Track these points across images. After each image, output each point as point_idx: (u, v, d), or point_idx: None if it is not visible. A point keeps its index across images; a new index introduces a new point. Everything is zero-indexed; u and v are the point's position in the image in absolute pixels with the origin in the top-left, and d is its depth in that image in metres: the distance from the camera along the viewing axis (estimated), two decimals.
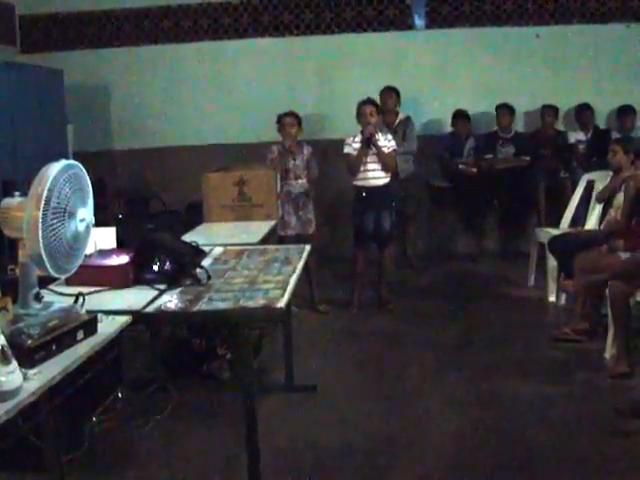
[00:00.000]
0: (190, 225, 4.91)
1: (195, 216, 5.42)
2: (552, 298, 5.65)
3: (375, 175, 5.56)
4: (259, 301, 2.68)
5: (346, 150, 5.59)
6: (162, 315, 2.63)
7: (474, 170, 7.04)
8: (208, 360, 4.18)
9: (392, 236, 5.80)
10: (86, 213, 2.43)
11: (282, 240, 5.45)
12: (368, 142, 5.45)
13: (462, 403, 3.86)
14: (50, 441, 2.63)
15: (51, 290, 2.79)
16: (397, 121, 6.79)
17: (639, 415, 3.50)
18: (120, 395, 3.82)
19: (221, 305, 2.66)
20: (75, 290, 2.76)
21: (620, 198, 5.07)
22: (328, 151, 6.43)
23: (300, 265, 3.31)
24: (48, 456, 2.63)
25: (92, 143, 6.99)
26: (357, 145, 5.54)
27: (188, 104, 7.31)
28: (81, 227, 2.40)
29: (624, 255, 4.47)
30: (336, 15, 7.29)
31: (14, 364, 1.81)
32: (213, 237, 4.29)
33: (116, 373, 3.82)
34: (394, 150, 5.64)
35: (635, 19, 7.05)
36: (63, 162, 2.32)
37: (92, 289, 2.81)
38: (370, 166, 5.55)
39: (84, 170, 2.44)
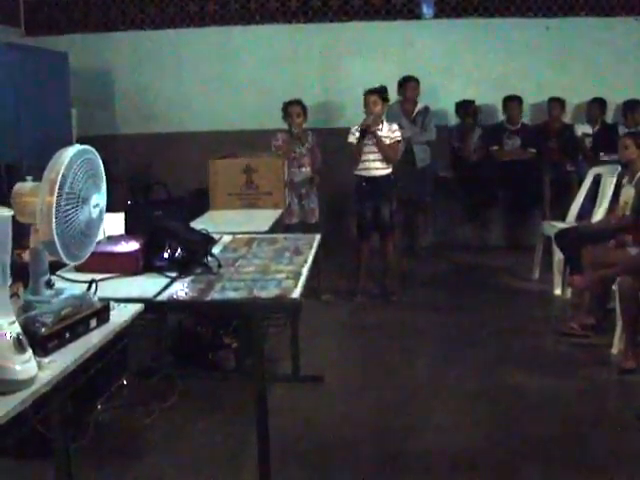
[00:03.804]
0: (194, 212, 4.87)
1: (199, 203, 5.39)
2: (558, 292, 5.63)
3: (375, 165, 5.54)
4: (272, 291, 2.64)
5: (349, 139, 5.58)
6: (175, 304, 2.60)
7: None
8: (214, 349, 4.14)
9: (393, 226, 5.77)
10: (100, 199, 2.39)
11: (287, 228, 5.43)
12: (364, 133, 5.42)
13: (469, 396, 3.84)
14: (57, 429, 2.59)
15: (61, 277, 2.75)
16: (416, 111, 6.77)
17: None
18: (125, 383, 3.80)
19: (234, 295, 2.62)
20: (84, 277, 2.73)
21: (628, 193, 5.04)
22: (332, 140, 6.35)
23: (311, 255, 3.28)
24: (55, 444, 2.59)
25: (96, 128, 6.92)
26: (358, 135, 5.52)
27: (193, 90, 7.25)
28: (94, 213, 2.35)
29: (633, 250, 4.44)
30: (344, 3, 7.23)
31: (29, 353, 1.78)
32: (220, 225, 4.24)
33: (121, 361, 3.79)
34: (397, 141, 5.60)
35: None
36: (77, 147, 2.27)
37: (102, 276, 2.76)
38: (370, 156, 5.53)
39: (98, 155, 2.40)
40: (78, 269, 2.81)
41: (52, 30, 7.14)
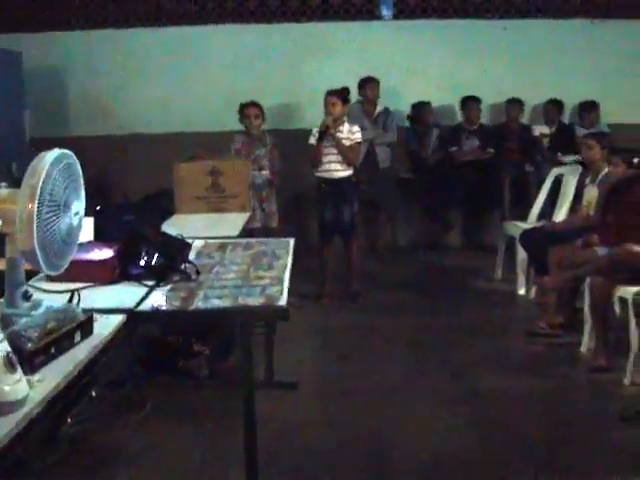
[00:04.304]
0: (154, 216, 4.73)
1: (159, 207, 5.26)
2: (522, 292, 5.67)
3: (335, 167, 5.50)
4: (258, 299, 2.57)
5: (310, 141, 5.52)
6: (159, 314, 2.50)
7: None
8: (184, 357, 4.04)
9: (355, 228, 5.72)
10: (79, 206, 2.29)
11: (249, 233, 5.34)
12: (322, 134, 5.37)
13: (447, 399, 3.83)
14: (34, 447, 2.47)
15: (36, 287, 2.62)
16: (376, 112, 6.76)
17: None
18: (94, 395, 3.66)
19: (219, 303, 2.54)
20: (58, 286, 2.62)
21: (591, 193, 5.09)
22: (292, 142, 6.28)
23: (290, 260, 3.21)
24: (33, 463, 2.47)
25: (50, 129, 6.69)
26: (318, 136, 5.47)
27: (150, 91, 7.07)
28: (75, 221, 2.25)
29: (600, 250, 4.48)
30: (302, 3, 7.16)
31: (20, 372, 1.67)
32: (189, 229, 4.10)
33: (90, 372, 3.65)
34: (357, 142, 5.56)
35: (599, 15, 7.11)
36: (57, 151, 2.17)
37: (77, 285, 2.64)
38: (331, 158, 5.48)
39: (77, 160, 2.30)
40: (51, 278, 2.69)
41: (5, 29, 6.87)
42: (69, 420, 3.37)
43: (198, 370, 4.00)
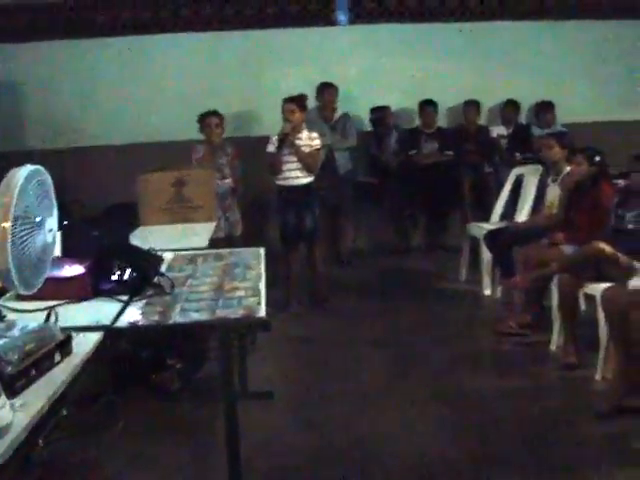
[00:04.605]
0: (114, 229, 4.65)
1: (121, 220, 5.18)
2: (487, 292, 5.72)
3: (295, 175, 5.47)
4: (237, 311, 2.53)
5: (268, 149, 5.49)
6: (138, 329, 2.44)
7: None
8: (156, 371, 3.97)
9: (317, 234, 5.70)
10: (53, 223, 2.23)
11: (214, 243, 5.28)
12: (281, 142, 5.35)
13: (425, 402, 3.83)
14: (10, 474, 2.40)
15: (6, 306, 2.54)
16: (335, 117, 6.76)
17: (621, 414, 3.51)
18: (65, 413, 3.57)
19: (198, 316, 2.50)
20: (29, 305, 2.55)
21: (553, 193, 5.16)
22: (253, 149, 6.23)
23: (263, 269, 3.18)
24: None
25: (4, 143, 6.53)
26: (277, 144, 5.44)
27: (107, 101, 6.95)
28: (49, 238, 2.19)
29: (566, 248, 4.54)
30: (258, 10, 7.12)
31: (4, 398, 1.62)
32: (156, 242, 4.04)
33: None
34: (317, 149, 5.54)
35: (551, 17, 7.23)
36: (29, 167, 2.11)
37: (50, 303, 2.57)
38: (290, 165, 5.45)
39: (49, 176, 2.24)
40: (21, 297, 2.61)
41: None
42: (40, 442, 3.29)
43: (170, 383, 3.94)
